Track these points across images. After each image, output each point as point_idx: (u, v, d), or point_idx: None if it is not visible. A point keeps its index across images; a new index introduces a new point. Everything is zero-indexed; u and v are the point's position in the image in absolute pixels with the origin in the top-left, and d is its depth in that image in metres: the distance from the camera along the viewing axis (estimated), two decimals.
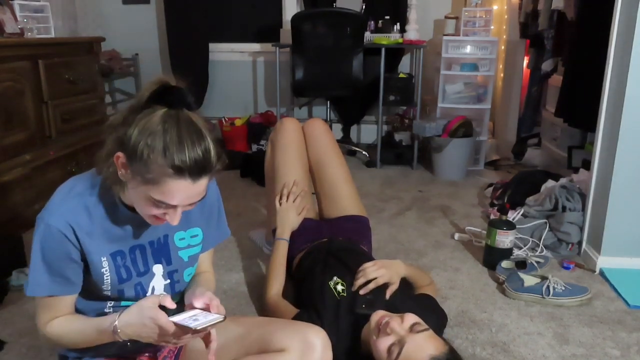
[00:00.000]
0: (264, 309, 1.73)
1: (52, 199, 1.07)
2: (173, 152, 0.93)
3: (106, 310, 1.16)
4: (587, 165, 2.48)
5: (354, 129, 4.45)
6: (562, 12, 3.06)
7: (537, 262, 2.08)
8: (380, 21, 3.83)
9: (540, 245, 2.28)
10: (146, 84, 1.00)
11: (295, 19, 3.45)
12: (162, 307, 1.03)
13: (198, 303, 1.09)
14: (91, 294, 1.13)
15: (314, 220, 2.04)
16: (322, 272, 1.64)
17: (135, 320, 1.03)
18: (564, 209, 2.30)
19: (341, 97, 4.08)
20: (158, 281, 1.18)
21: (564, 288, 1.86)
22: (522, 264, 2.07)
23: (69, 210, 1.04)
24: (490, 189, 3.01)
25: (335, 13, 3.58)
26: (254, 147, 4.07)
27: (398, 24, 3.82)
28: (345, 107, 4.30)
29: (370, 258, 1.78)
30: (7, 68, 2.37)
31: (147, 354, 1.25)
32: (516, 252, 2.21)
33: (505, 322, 1.75)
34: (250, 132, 4.09)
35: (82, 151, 2.89)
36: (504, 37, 4.02)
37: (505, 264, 2.07)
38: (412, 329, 1.29)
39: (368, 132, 4.43)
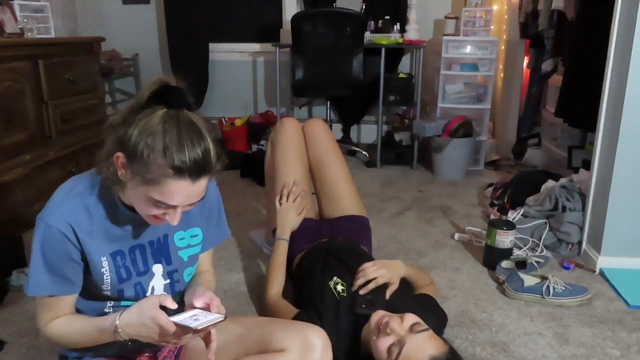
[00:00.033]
0: (264, 309, 1.73)
1: (52, 199, 1.07)
2: (173, 152, 0.93)
3: (106, 310, 1.16)
4: (587, 165, 2.48)
5: (354, 129, 4.45)
6: (562, 12, 3.06)
7: (537, 262, 2.08)
8: (380, 21, 3.83)
9: (540, 245, 2.28)
10: (146, 84, 1.00)
11: (295, 19, 3.45)
12: (163, 307, 1.03)
13: (198, 303, 1.09)
14: (91, 294, 1.13)
15: (314, 220, 2.04)
16: (322, 272, 1.64)
17: (135, 320, 1.03)
18: (564, 209, 2.30)
19: (341, 97, 4.08)
20: (158, 281, 1.18)
21: (564, 288, 1.86)
22: (522, 264, 2.07)
23: (69, 210, 1.04)
24: (490, 189, 3.01)
25: (335, 13, 3.58)
26: (254, 147, 4.07)
27: (398, 24, 3.82)
28: (345, 107, 4.30)
29: (370, 258, 1.78)
30: (7, 68, 2.38)
31: (147, 354, 1.25)
32: (516, 252, 2.21)
33: (505, 322, 1.75)
34: (250, 132, 4.09)
35: (82, 151, 2.89)
36: (504, 37, 4.02)
37: (505, 264, 2.07)
38: (412, 329, 1.29)
39: (368, 132, 4.43)
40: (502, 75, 4.06)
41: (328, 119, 4.31)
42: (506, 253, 2.12)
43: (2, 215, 2.28)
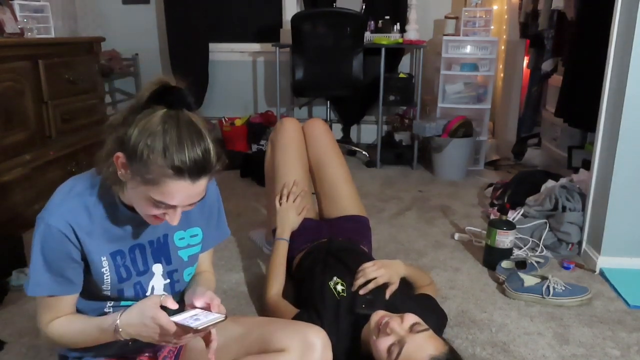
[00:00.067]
0: (264, 309, 1.73)
1: (52, 199, 1.07)
2: (173, 152, 0.93)
3: (106, 310, 1.16)
4: (587, 165, 2.48)
5: (354, 129, 4.45)
6: (562, 12, 3.06)
7: (537, 262, 2.08)
8: (380, 21, 3.83)
9: (540, 245, 2.28)
10: (146, 84, 1.00)
11: (295, 19, 3.45)
12: (163, 307, 1.03)
13: (199, 302, 1.09)
14: (91, 294, 1.13)
15: (314, 220, 2.04)
16: (322, 272, 1.64)
17: (136, 319, 1.03)
18: (564, 209, 2.30)
19: (341, 97, 4.08)
20: (157, 281, 1.18)
21: (564, 288, 1.86)
22: (522, 264, 2.07)
23: (69, 210, 1.04)
24: (490, 189, 3.01)
25: (335, 13, 3.58)
26: (254, 147, 4.07)
27: (398, 24, 3.82)
28: (345, 107, 4.30)
29: (370, 258, 1.78)
30: (7, 68, 2.37)
31: (147, 354, 1.25)
32: (516, 252, 2.21)
33: (505, 322, 1.75)
34: (250, 132, 4.09)
35: (82, 151, 2.89)
36: (504, 37, 4.02)
37: (505, 264, 2.07)
38: (412, 329, 1.29)
39: (368, 132, 4.43)
40: (502, 75, 4.06)
41: (328, 119, 4.31)
42: (506, 253, 2.12)
43: (2, 215, 2.28)
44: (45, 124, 2.65)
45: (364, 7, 3.88)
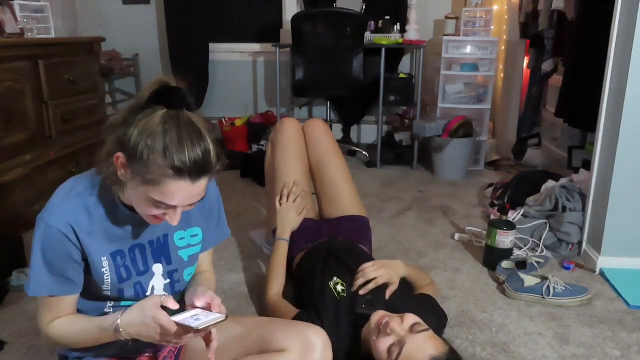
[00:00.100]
0: (264, 309, 1.73)
1: (52, 199, 1.07)
2: (173, 152, 0.93)
3: (106, 310, 1.16)
4: (587, 165, 2.48)
5: (354, 129, 4.45)
6: (562, 12, 3.06)
7: (537, 262, 2.08)
8: (380, 21, 3.83)
9: (540, 245, 2.28)
10: (146, 84, 1.00)
11: (295, 19, 3.45)
12: (164, 307, 1.03)
13: (199, 302, 1.09)
14: (91, 293, 1.13)
15: (314, 220, 2.04)
16: (322, 272, 1.64)
17: (136, 319, 1.03)
18: (564, 209, 2.30)
19: (341, 97, 4.08)
20: (157, 280, 1.18)
21: (564, 288, 1.86)
22: (522, 264, 2.07)
23: (69, 210, 1.04)
24: (490, 189, 3.01)
25: (335, 13, 3.58)
26: (254, 147, 4.07)
27: (398, 24, 3.82)
28: (345, 107, 4.30)
29: (370, 258, 1.78)
30: (7, 68, 2.38)
31: (147, 354, 1.25)
32: (516, 252, 2.21)
33: (505, 322, 1.75)
34: (250, 132, 4.09)
35: (82, 151, 2.90)
36: (504, 37, 4.02)
37: (505, 264, 2.07)
38: (412, 329, 1.29)
39: (368, 132, 4.43)
40: (502, 75, 4.06)
41: (328, 119, 4.31)
42: (506, 253, 2.12)
43: (2, 215, 2.28)
44: (45, 124, 2.65)
45: (364, 7, 3.88)
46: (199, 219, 1.22)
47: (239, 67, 4.47)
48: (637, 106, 1.94)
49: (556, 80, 3.18)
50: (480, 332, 1.69)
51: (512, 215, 2.39)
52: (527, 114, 3.76)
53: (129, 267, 1.12)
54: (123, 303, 1.15)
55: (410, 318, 1.32)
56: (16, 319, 1.77)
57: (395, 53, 4.05)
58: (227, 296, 1.92)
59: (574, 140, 3.15)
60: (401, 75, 3.71)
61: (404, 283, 1.67)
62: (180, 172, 0.94)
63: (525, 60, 3.84)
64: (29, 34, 2.77)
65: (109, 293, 1.12)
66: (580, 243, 2.25)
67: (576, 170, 2.60)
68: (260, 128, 4.07)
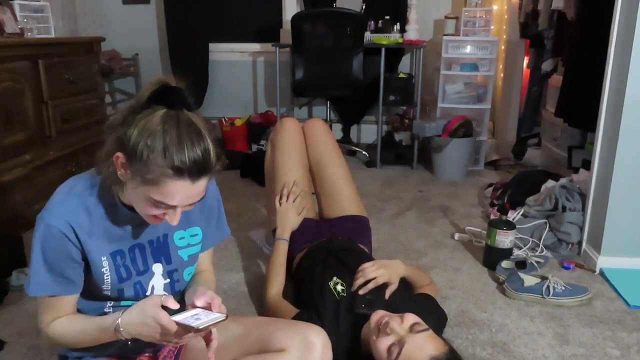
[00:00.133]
0: (264, 309, 1.73)
1: (52, 199, 1.07)
2: (173, 152, 0.93)
3: (106, 310, 1.16)
4: (587, 165, 2.48)
5: (354, 129, 4.45)
6: (562, 12, 3.06)
7: (537, 262, 2.08)
8: (380, 21, 3.83)
9: (540, 245, 2.28)
10: (146, 84, 1.00)
11: (295, 19, 3.45)
12: (164, 307, 1.02)
13: (199, 302, 1.09)
14: (91, 294, 1.13)
15: (314, 220, 2.04)
16: (322, 272, 1.64)
17: (137, 319, 1.03)
18: (564, 209, 2.30)
19: (341, 97, 4.08)
20: (157, 280, 1.18)
21: (564, 288, 1.86)
22: (522, 264, 2.07)
23: (69, 210, 1.04)
24: (490, 189, 3.01)
25: (335, 13, 3.58)
26: (254, 147, 4.07)
27: (398, 24, 3.82)
28: (345, 107, 4.30)
29: (370, 258, 1.78)
30: (7, 68, 2.38)
31: (147, 354, 1.25)
32: (516, 252, 2.21)
33: (505, 322, 1.75)
34: (250, 132, 4.09)
35: (82, 151, 2.90)
36: (504, 37, 4.02)
37: (505, 264, 2.07)
38: (412, 329, 1.29)
39: (368, 132, 4.43)
40: (502, 75, 4.06)
41: (328, 119, 4.31)
42: (506, 253, 2.12)
43: (2, 215, 2.28)
44: (45, 124, 2.65)
45: (364, 7, 3.88)
46: (199, 219, 1.22)
47: (239, 67, 4.48)
48: (637, 106, 1.94)
49: (556, 80, 3.18)
50: (480, 332, 1.69)
51: (512, 215, 2.40)
52: (527, 114, 3.77)
53: (129, 267, 1.12)
54: (123, 303, 1.15)
55: (410, 318, 1.32)
56: (16, 319, 1.77)
57: (395, 53, 4.05)
58: (227, 296, 1.92)
59: (574, 140, 3.15)
60: (401, 75, 3.71)
61: (404, 283, 1.67)
62: (180, 172, 0.94)
63: (525, 60, 3.84)
64: (29, 34, 2.77)
65: (109, 293, 1.12)
66: (580, 243, 2.25)
67: (576, 170, 2.60)
68: (260, 128, 4.08)
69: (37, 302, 1.11)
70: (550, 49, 3.27)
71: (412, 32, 3.67)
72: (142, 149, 0.94)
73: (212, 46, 4.37)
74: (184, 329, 1.01)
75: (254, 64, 4.47)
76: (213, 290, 1.19)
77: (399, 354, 1.24)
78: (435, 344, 1.27)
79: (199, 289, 1.15)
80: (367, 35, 3.73)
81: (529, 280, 1.91)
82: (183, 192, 0.97)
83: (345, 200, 2.06)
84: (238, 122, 4.12)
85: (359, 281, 1.56)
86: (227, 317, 1.04)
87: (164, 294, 1.08)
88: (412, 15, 3.68)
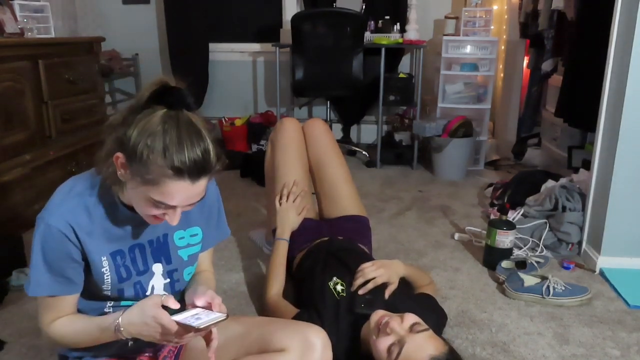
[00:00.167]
0: (264, 309, 1.73)
1: (52, 199, 1.07)
2: (172, 152, 0.93)
3: (106, 310, 1.16)
4: (587, 165, 2.48)
5: (354, 129, 4.45)
6: (562, 12, 3.06)
7: (537, 262, 2.08)
8: (380, 21, 3.83)
9: (540, 245, 2.28)
10: (146, 84, 1.00)
11: (295, 19, 3.45)
12: (164, 307, 1.03)
13: (200, 302, 1.09)
14: (91, 294, 1.13)
15: (314, 220, 2.04)
16: (322, 272, 1.64)
17: (137, 319, 1.03)
18: (564, 209, 2.30)
19: (341, 97, 4.08)
20: (157, 280, 1.18)
21: (564, 288, 1.86)
22: (522, 264, 2.07)
23: (69, 210, 1.04)
24: (490, 189, 3.01)
25: (335, 13, 3.58)
26: (254, 147, 4.07)
27: (398, 24, 3.82)
28: (345, 107, 4.30)
29: (370, 258, 1.78)
30: (7, 68, 2.38)
31: (147, 354, 1.25)
32: (516, 252, 2.21)
33: (505, 322, 1.75)
34: (250, 132, 4.09)
35: (82, 151, 2.90)
36: (504, 37, 4.02)
37: (505, 264, 2.07)
38: (412, 328, 1.29)
39: (368, 132, 4.43)
40: (502, 75, 4.06)
41: (328, 119, 4.32)
42: (506, 253, 2.12)
43: (2, 215, 2.28)
44: (45, 124, 2.66)
45: (364, 7, 3.88)
46: (199, 219, 1.22)
47: (239, 67, 4.48)
48: (637, 106, 1.94)
49: (556, 80, 3.18)
50: (480, 332, 1.69)
51: (512, 215, 2.40)
52: (527, 114, 3.77)
53: (129, 267, 1.12)
54: (123, 303, 1.15)
55: (410, 318, 1.32)
56: (16, 319, 1.77)
57: (395, 53, 4.05)
58: (227, 296, 1.92)
59: (574, 140, 3.15)
60: (401, 75, 3.71)
61: (404, 283, 1.67)
62: (180, 172, 0.94)
63: (525, 60, 3.84)
64: (29, 34, 2.77)
65: (109, 293, 1.13)
66: (580, 243, 2.25)
67: (576, 170, 2.60)
68: (260, 128, 4.08)
69: (37, 302, 1.11)
70: (550, 49, 3.27)
71: (412, 32, 3.67)
72: (142, 149, 0.94)
73: (212, 46, 4.37)
74: (185, 328, 1.01)
75: (254, 64, 4.47)
76: (213, 290, 1.19)
77: (399, 353, 1.24)
78: (435, 343, 1.27)
79: (199, 288, 1.15)
80: (367, 35, 3.73)
81: (529, 280, 1.91)
82: (183, 192, 0.97)
83: (345, 200, 2.06)
84: (238, 122, 4.12)
85: (359, 281, 1.56)
86: (227, 316, 1.04)
87: (164, 294, 1.08)
88: (412, 15, 3.68)
